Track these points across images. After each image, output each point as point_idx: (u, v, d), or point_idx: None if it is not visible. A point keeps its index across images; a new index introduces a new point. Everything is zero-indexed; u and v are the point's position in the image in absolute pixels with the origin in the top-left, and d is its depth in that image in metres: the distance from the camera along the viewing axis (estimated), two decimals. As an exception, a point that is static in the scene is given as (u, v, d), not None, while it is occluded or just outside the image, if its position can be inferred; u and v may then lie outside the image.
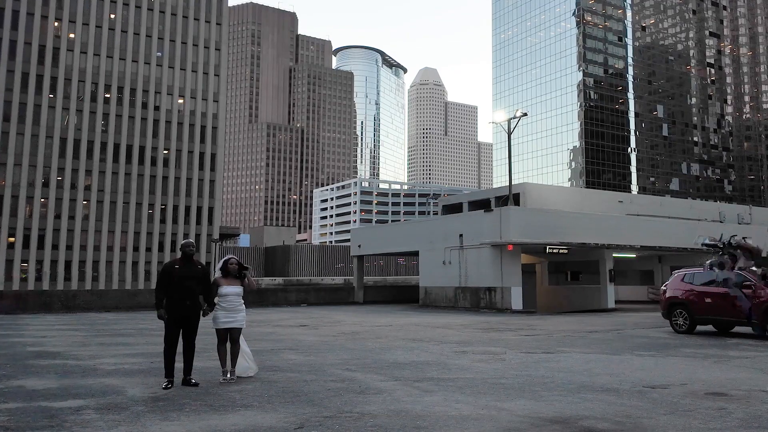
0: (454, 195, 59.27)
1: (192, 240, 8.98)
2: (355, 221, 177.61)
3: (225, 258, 8.79)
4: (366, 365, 10.18)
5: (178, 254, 8.57)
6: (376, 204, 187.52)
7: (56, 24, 67.63)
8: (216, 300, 8.51)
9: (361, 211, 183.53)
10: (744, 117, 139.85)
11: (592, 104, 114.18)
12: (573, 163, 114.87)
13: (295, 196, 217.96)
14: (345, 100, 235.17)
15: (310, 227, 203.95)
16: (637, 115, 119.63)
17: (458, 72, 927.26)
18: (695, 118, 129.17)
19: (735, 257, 2.83)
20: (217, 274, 8.70)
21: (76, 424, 6.02)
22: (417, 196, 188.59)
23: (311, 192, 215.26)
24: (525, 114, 34.23)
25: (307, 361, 10.66)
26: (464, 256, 29.65)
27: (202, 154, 74.46)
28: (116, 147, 69.38)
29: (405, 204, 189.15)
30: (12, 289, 57.46)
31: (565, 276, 34.99)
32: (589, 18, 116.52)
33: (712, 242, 3.17)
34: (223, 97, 77.57)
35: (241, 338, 8.69)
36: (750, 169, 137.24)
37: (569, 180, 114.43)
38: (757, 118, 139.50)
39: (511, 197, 31.77)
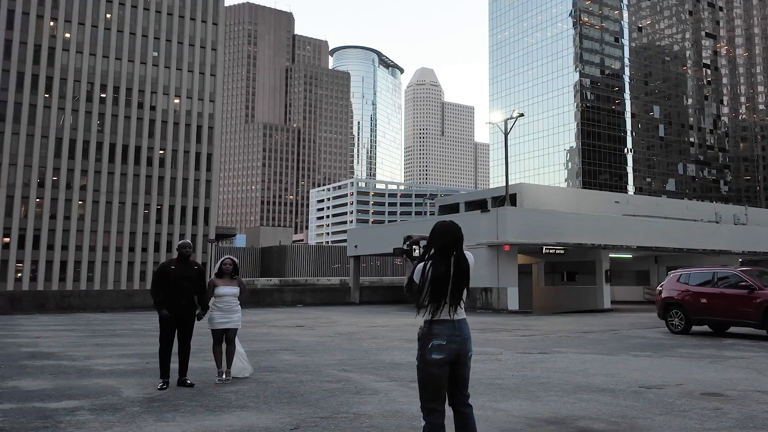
0: (451, 195, 59.30)
1: (189, 241, 8.97)
2: (351, 222, 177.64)
3: (222, 259, 8.78)
4: (362, 366, 10.17)
5: (174, 255, 8.56)
6: (373, 204, 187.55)
7: (52, 23, 67.49)
8: (212, 301, 8.49)
9: (358, 211, 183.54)
10: (740, 118, 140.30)
11: (588, 105, 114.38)
12: (569, 164, 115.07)
13: (291, 197, 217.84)
14: (341, 100, 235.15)
15: (307, 228, 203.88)
16: (633, 115, 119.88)
17: (455, 73, 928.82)
18: (691, 119, 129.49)
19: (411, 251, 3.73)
20: (213, 274, 8.68)
21: (71, 425, 6.00)
22: (414, 196, 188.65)
23: (308, 192, 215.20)
24: (522, 114, 34.24)
25: (303, 362, 10.64)
26: (461, 256, 29.57)
27: (198, 154, 74.39)
28: (112, 147, 69.27)
29: (402, 204, 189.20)
30: (6, 289, 57.31)
31: (561, 276, 35.04)
32: (586, 19, 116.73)
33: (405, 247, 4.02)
34: (219, 97, 77.52)
35: (236, 339, 8.67)
36: (746, 170, 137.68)
37: (566, 180, 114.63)
38: (753, 118, 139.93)
39: (507, 198, 31.79)
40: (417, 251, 4.38)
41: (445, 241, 4.07)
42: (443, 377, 3.96)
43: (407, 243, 4.46)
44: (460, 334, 4.01)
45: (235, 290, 8.58)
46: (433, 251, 4.09)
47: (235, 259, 8.87)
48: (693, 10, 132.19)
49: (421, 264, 4.10)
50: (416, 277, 4.08)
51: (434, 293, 3.98)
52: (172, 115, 73.22)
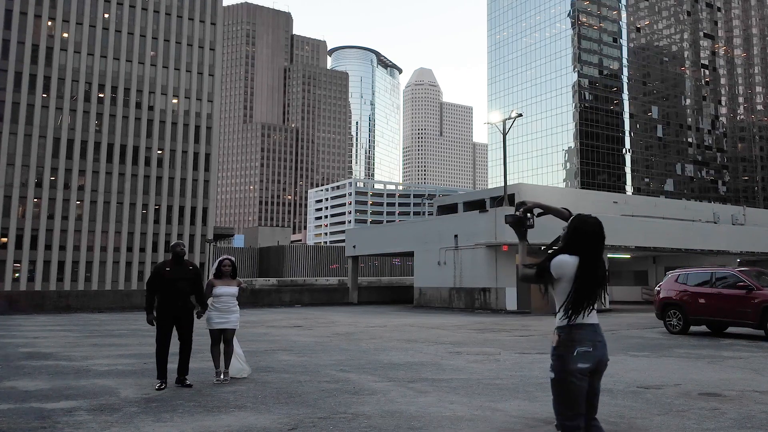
0: (449, 195, 59.30)
1: (183, 241, 8.96)
2: (350, 222, 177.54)
3: (219, 259, 8.76)
4: (360, 366, 10.16)
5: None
6: (371, 204, 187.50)
7: (50, 23, 67.39)
8: (210, 301, 8.48)
9: (356, 211, 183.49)
10: (738, 118, 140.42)
11: (586, 105, 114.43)
12: (568, 164, 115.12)
13: (289, 197, 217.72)
14: (340, 100, 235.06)
15: (305, 228, 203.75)
16: (631, 116, 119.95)
17: (453, 73, 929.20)
18: (689, 119, 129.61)
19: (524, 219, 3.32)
20: (211, 275, 8.66)
21: (69, 425, 5.99)
22: (412, 196, 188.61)
23: (306, 192, 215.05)
24: (520, 115, 34.27)
25: (301, 362, 10.64)
26: (459, 256, 29.67)
27: (196, 155, 74.31)
28: (110, 147, 69.19)
29: (400, 204, 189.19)
30: (4, 289, 57.20)
31: (560, 276, 34.99)
32: (584, 19, 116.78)
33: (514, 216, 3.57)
34: (217, 97, 77.45)
35: (234, 339, 8.66)
36: (744, 171, 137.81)
37: (564, 181, 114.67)
38: (751, 119, 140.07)
39: (506, 198, 31.81)
40: (531, 220, 3.96)
41: (596, 240, 3.72)
42: (585, 388, 3.58)
43: (521, 209, 3.94)
44: (601, 339, 3.66)
45: (234, 290, 8.57)
46: (576, 247, 3.68)
47: (233, 259, 8.86)
48: (691, 10, 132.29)
49: (566, 257, 3.65)
50: (556, 271, 3.65)
51: (583, 296, 3.60)
52: (170, 115, 73.14)
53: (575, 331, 3.60)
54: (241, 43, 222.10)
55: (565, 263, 3.63)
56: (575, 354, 3.54)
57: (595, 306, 3.66)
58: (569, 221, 3.81)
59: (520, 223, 3.93)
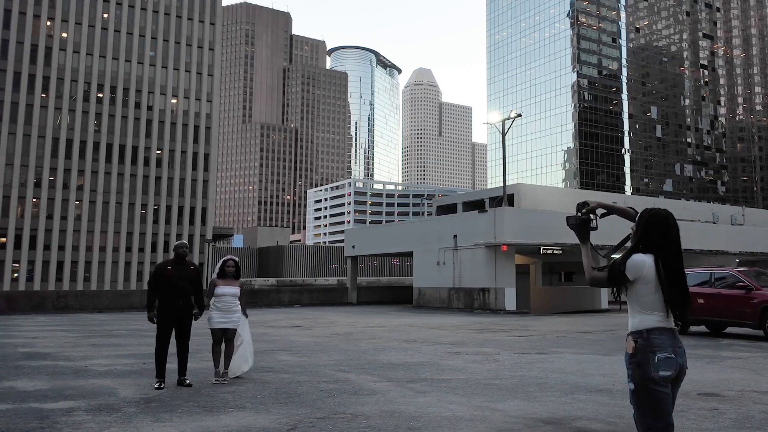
0: (449, 196, 59.30)
1: (185, 241, 8.94)
2: (349, 222, 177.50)
3: (224, 259, 8.75)
4: (359, 366, 10.16)
5: (172, 255, 8.56)
6: (371, 205, 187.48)
7: (48, 23, 67.35)
8: (212, 300, 8.49)
9: (355, 211, 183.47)
10: (737, 118, 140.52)
11: (586, 105, 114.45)
12: (567, 164, 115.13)
13: (288, 197, 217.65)
14: (339, 100, 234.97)
15: (304, 228, 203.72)
16: (630, 116, 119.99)
17: (453, 73, 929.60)
18: (689, 120, 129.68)
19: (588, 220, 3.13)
20: (214, 274, 8.67)
21: (68, 426, 5.98)
22: (411, 196, 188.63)
23: (305, 192, 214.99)
24: (519, 115, 34.29)
25: (301, 362, 10.64)
26: (458, 256, 29.67)
27: (195, 154, 74.29)
28: (109, 147, 69.17)
29: (399, 205, 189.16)
30: (3, 289, 57.17)
31: (559, 277, 35.03)
32: (584, 19, 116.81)
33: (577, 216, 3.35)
34: (216, 97, 77.46)
35: (246, 333, 8.67)
36: (743, 171, 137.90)
37: (563, 181, 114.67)
38: (750, 119, 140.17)
39: (505, 198, 31.80)
40: (595, 222, 3.74)
41: (674, 233, 3.42)
42: (670, 395, 3.33)
43: (583, 210, 3.70)
44: (681, 345, 3.37)
45: (236, 290, 8.59)
46: (653, 244, 3.40)
47: (237, 259, 8.85)
48: (690, 11, 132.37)
49: (642, 257, 3.36)
50: (633, 272, 3.34)
51: (667, 296, 3.33)
52: (169, 115, 73.13)
53: (654, 335, 3.32)
54: (240, 43, 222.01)
55: (643, 263, 3.34)
56: (656, 361, 3.29)
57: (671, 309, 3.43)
58: (638, 218, 3.54)
59: (584, 225, 3.70)
